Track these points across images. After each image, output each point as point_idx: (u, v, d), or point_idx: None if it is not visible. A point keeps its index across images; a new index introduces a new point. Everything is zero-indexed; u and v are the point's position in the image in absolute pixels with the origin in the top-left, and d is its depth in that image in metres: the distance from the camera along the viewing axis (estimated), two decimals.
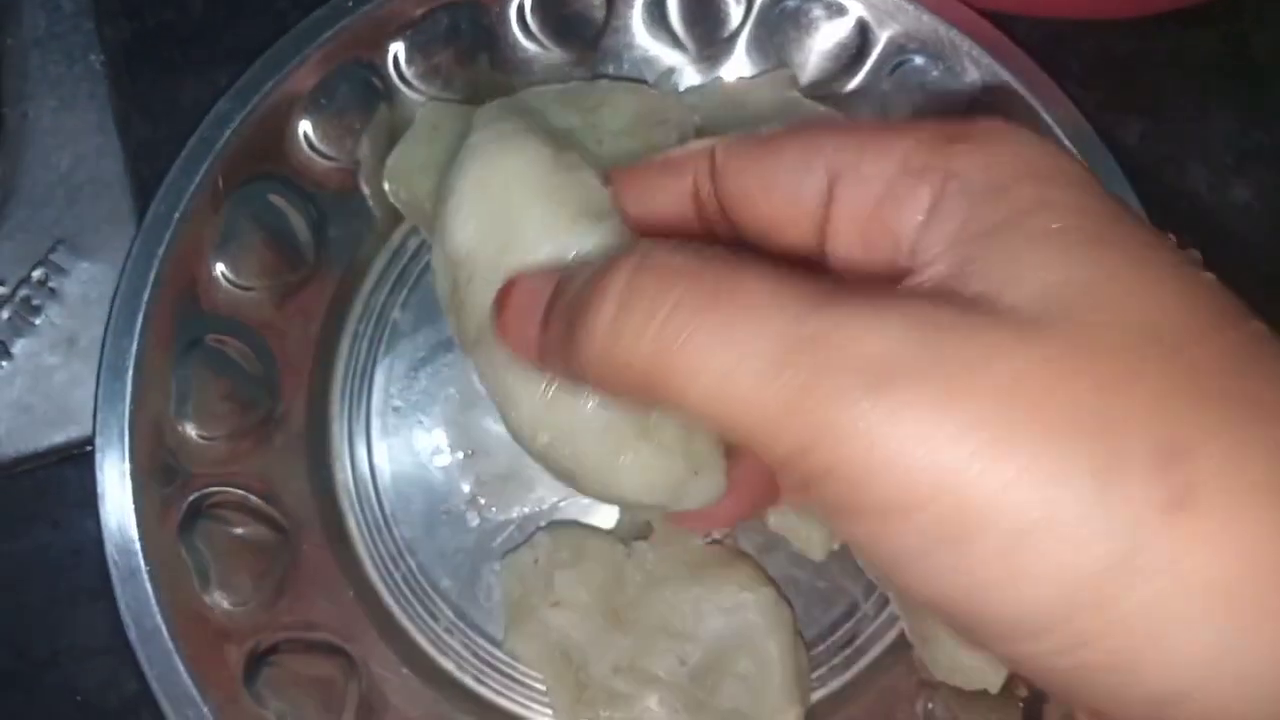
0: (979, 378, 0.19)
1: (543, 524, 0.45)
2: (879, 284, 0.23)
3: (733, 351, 0.20)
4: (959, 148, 0.23)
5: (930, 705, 0.42)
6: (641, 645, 0.41)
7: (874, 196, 0.24)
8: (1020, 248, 0.21)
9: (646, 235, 0.28)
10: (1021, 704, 0.41)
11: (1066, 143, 0.44)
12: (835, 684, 0.44)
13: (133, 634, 0.38)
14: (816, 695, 0.44)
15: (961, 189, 0.23)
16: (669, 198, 0.29)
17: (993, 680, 0.39)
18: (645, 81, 0.48)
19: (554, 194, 0.28)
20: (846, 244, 0.25)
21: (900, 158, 0.24)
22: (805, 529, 0.43)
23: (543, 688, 0.43)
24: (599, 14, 0.47)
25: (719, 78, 0.48)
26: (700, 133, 0.44)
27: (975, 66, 0.46)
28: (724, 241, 0.29)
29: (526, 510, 0.45)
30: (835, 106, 0.47)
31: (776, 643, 0.41)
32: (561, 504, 0.45)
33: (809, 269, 0.24)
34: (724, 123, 0.46)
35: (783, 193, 0.26)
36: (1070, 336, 0.19)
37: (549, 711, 0.43)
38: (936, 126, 0.24)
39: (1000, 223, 0.22)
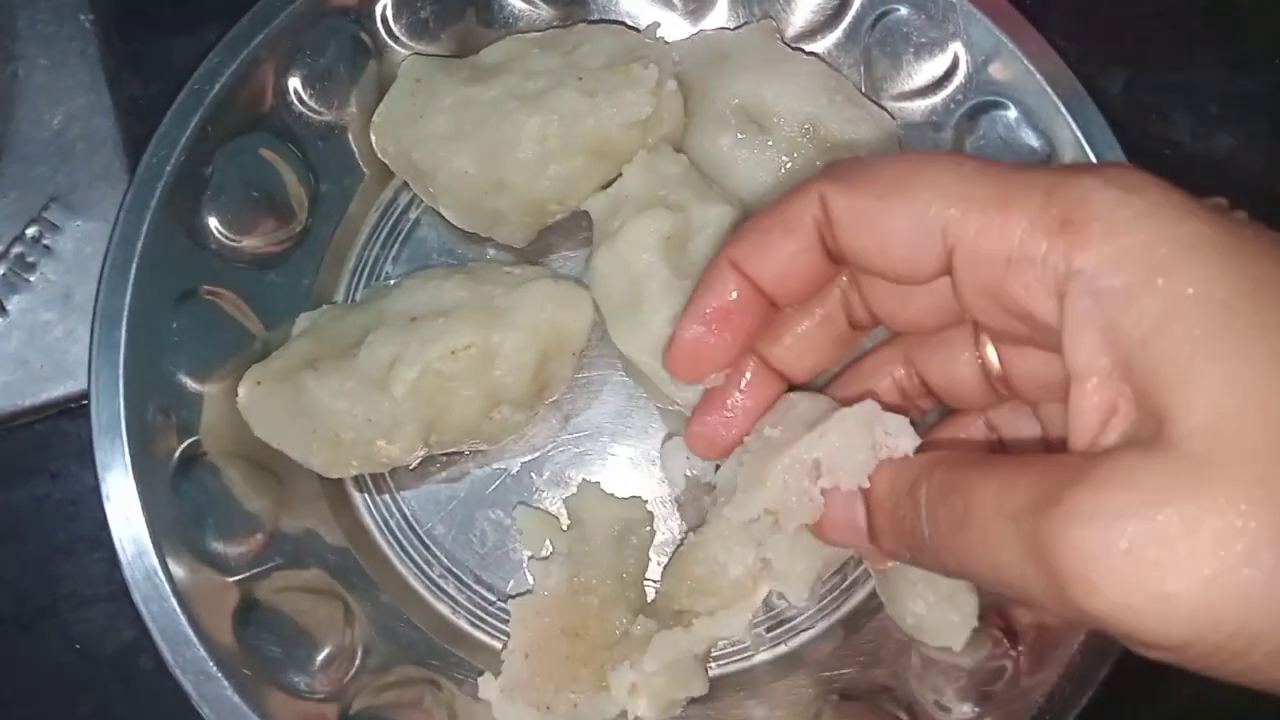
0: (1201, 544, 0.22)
1: (538, 473, 0.45)
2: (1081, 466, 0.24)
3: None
4: (1076, 241, 0.25)
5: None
6: None
7: (995, 276, 0.27)
8: (1173, 372, 0.23)
9: (767, 289, 0.33)
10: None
11: (1056, 99, 0.44)
12: (824, 625, 0.45)
13: (130, 576, 0.38)
14: (809, 635, 0.45)
15: (1089, 289, 0.25)
16: (784, 256, 0.32)
17: (956, 640, 0.40)
18: (623, 24, 0.48)
19: None
20: (981, 309, 0.28)
21: (1015, 241, 0.26)
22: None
23: None
24: None
25: (703, 30, 0.48)
26: (680, 76, 0.44)
27: (959, 16, 0.46)
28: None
29: (522, 459, 0.45)
30: (820, 58, 0.48)
31: None
32: (553, 452, 0.45)
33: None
34: (708, 75, 0.46)
35: (900, 256, 0.29)
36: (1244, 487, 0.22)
37: None
38: (1045, 200, 0.26)
39: (1145, 336, 0.24)
